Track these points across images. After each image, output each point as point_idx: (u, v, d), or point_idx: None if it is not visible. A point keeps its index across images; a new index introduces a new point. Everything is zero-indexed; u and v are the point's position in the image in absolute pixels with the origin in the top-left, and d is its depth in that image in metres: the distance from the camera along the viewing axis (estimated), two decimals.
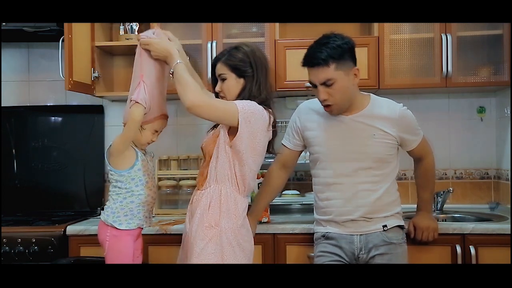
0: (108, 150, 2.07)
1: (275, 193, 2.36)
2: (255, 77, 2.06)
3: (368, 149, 2.13)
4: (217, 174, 2.01)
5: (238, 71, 2.06)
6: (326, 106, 2.11)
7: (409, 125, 2.19)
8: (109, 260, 2.05)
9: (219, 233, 1.95)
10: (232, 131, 1.99)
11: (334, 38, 2.06)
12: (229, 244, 1.95)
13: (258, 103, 2.02)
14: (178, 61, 1.99)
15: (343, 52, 2.05)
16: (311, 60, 2.06)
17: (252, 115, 1.97)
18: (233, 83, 2.07)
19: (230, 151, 2.00)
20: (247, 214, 2.08)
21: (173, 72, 2.00)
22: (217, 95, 2.14)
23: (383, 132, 2.14)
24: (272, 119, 2.07)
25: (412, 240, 2.30)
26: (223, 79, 2.08)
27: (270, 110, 2.07)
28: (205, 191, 2.03)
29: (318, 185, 2.23)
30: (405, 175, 2.97)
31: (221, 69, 2.09)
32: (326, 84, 2.05)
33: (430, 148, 2.30)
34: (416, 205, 2.39)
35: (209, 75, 2.64)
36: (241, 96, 2.05)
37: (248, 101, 2.01)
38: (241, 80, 2.07)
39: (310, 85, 2.11)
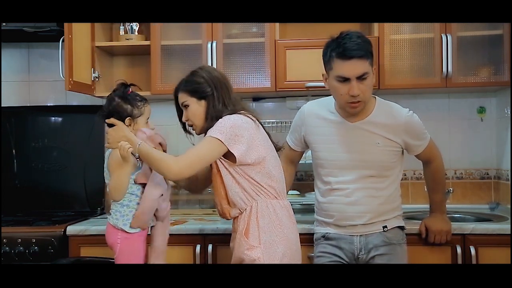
0: (107, 165, 2.05)
1: (288, 188, 2.38)
2: (215, 95, 2.03)
3: (372, 157, 2.12)
4: (244, 196, 2.00)
5: (198, 94, 2.04)
6: (354, 103, 2.05)
7: (415, 131, 2.17)
8: (120, 262, 2.04)
9: (263, 250, 1.94)
10: (227, 154, 1.97)
11: (362, 34, 2.06)
12: (277, 258, 1.94)
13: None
14: (139, 142, 1.96)
15: (372, 49, 2.05)
16: (353, 51, 1.98)
17: (232, 129, 1.94)
18: (196, 107, 2.04)
19: (241, 170, 1.98)
20: None
21: (139, 156, 1.98)
22: (184, 126, 2.13)
23: (387, 139, 2.12)
24: (252, 116, 2.03)
25: (424, 240, 2.31)
26: (186, 106, 2.06)
27: (242, 112, 2.03)
28: (241, 216, 2.02)
29: (320, 188, 2.22)
30: (405, 175, 2.97)
31: (182, 97, 2.07)
32: (362, 78, 2.01)
33: (438, 151, 2.28)
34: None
35: None
36: (208, 117, 2.02)
37: (218, 122, 1.97)
38: (203, 102, 2.04)
39: (340, 79, 2.01)
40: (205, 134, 2.03)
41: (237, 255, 1.99)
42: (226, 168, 1.99)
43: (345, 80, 2.01)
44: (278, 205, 2.01)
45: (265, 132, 2.09)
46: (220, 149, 1.94)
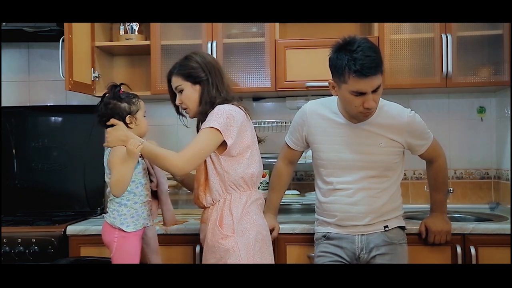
0: (107, 163, 2.07)
1: (286, 187, 2.41)
2: (210, 80, 2.07)
3: (374, 158, 2.12)
4: (221, 189, 2.04)
5: (192, 78, 2.08)
6: (366, 114, 2.05)
7: (417, 131, 2.16)
8: (117, 261, 2.06)
9: (237, 239, 1.98)
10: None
11: (371, 42, 2.02)
12: (251, 244, 1.99)
13: (222, 102, 2.04)
14: (141, 141, 1.99)
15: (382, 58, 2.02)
16: (371, 69, 1.93)
17: (228, 119, 1.98)
18: (191, 91, 2.09)
19: (224, 161, 2.02)
20: (264, 212, 2.17)
21: (141, 154, 2.01)
22: (178, 109, 2.17)
23: (390, 140, 2.12)
24: (243, 108, 2.08)
25: (424, 240, 2.31)
26: (180, 91, 2.10)
27: (235, 103, 2.07)
28: (213, 206, 2.06)
29: (321, 188, 2.22)
30: (405, 175, 2.96)
31: (176, 81, 2.11)
32: (376, 90, 1.99)
33: (441, 150, 2.27)
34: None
35: None
36: (202, 101, 2.07)
37: (214, 112, 2.00)
38: (197, 87, 2.08)
39: (356, 94, 1.97)
40: (198, 118, 2.08)
41: (210, 244, 2.02)
42: (211, 158, 2.03)
43: (360, 94, 1.98)
44: (249, 196, 2.06)
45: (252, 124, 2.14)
46: (218, 139, 1.98)
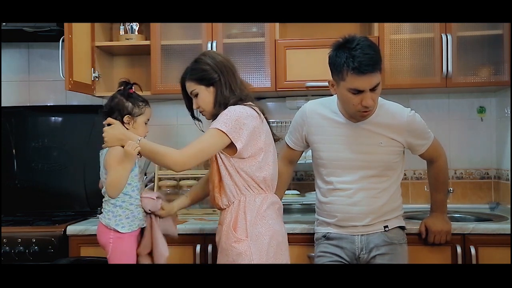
0: (103, 163, 2.05)
1: (286, 187, 2.40)
2: (223, 80, 2.05)
3: (374, 157, 2.12)
4: (234, 190, 2.03)
5: (206, 81, 2.06)
6: (365, 112, 2.04)
7: (417, 130, 2.16)
8: (113, 262, 2.05)
9: (250, 243, 1.97)
10: (226, 146, 1.99)
11: (370, 40, 2.02)
12: (264, 249, 1.97)
13: (235, 103, 2.02)
14: (139, 139, 1.98)
15: (381, 56, 2.02)
16: (369, 66, 1.93)
17: (237, 121, 1.96)
18: (206, 94, 2.07)
19: (236, 163, 2.01)
20: None
21: (140, 153, 1.99)
22: (193, 114, 2.17)
23: (390, 139, 2.12)
24: (258, 109, 2.06)
25: (424, 240, 2.31)
26: (196, 95, 2.08)
27: (249, 103, 2.05)
28: (228, 208, 2.05)
29: (321, 188, 2.22)
30: (405, 175, 2.96)
31: (190, 86, 2.09)
32: (374, 88, 1.99)
33: (442, 150, 2.27)
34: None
35: None
36: (217, 102, 2.05)
37: (224, 113, 1.99)
38: (211, 89, 2.06)
39: (354, 91, 1.98)
40: (212, 119, 2.06)
41: (224, 247, 2.01)
42: (222, 159, 2.02)
43: (358, 92, 1.99)
44: (265, 199, 2.04)
45: (268, 125, 2.11)
46: (223, 141, 1.96)
